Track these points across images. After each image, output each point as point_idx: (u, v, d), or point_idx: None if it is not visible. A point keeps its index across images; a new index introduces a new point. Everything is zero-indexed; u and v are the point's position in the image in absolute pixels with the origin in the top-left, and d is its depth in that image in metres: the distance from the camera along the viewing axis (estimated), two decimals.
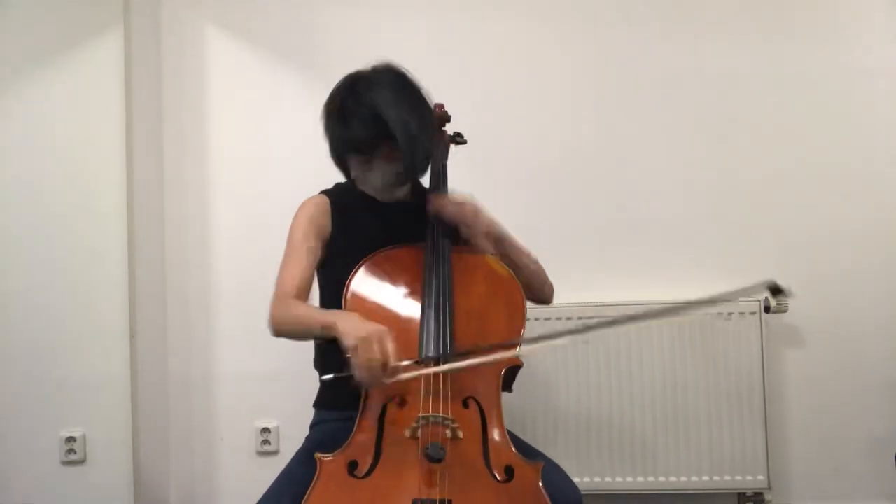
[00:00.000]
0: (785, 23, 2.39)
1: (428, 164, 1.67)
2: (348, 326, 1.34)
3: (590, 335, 1.47)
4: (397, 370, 1.32)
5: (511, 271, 1.60)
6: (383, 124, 1.51)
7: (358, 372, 1.30)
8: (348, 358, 1.32)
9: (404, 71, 1.61)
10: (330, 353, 1.49)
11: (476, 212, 1.59)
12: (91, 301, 2.32)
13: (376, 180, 1.64)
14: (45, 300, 2.30)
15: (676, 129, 2.40)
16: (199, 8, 2.44)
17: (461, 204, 1.60)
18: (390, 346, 1.31)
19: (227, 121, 2.44)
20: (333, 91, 1.62)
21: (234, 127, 2.44)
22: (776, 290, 1.32)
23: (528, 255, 1.69)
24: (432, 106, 1.67)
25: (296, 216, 1.66)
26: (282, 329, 1.53)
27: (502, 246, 1.63)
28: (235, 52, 2.44)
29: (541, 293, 1.72)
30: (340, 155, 1.64)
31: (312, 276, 1.61)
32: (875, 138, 2.37)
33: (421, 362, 1.39)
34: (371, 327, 1.32)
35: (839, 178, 2.37)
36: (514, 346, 1.45)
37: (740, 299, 2.24)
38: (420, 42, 2.41)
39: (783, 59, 2.38)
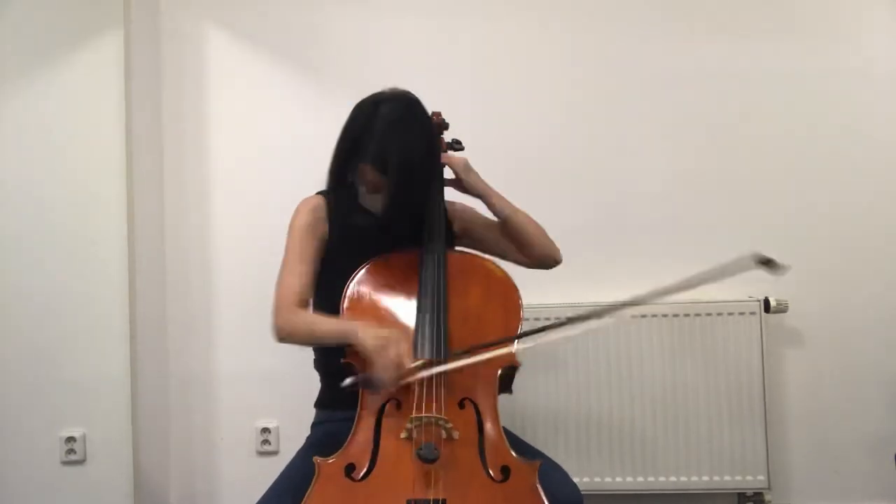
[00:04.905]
0: (785, 22, 2.39)
1: (422, 208, 1.65)
2: (367, 333, 1.40)
3: (581, 326, 1.48)
4: (413, 371, 1.38)
5: (506, 272, 1.61)
6: (388, 164, 1.53)
7: (379, 374, 1.36)
8: (349, 364, 1.42)
9: (419, 108, 1.61)
10: (331, 353, 1.50)
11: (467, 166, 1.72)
12: (91, 301, 2.31)
13: (377, 206, 1.63)
14: (45, 300, 2.29)
15: (675, 129, 2.40)
16: (199, 8, 2.44)
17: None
18: (406, 348, 1.39)
19: (227, 121, 2.44)
20: (351, 116, 1.63)
21: (234, 127, 2.44)
22: (765, 262, 1.33)
23: (525, 214, 1.73)
24: (439, 144, 1.72)
25: (293, 219, 1.65)
26: (289, 338, 1.53)
27: (491, 202, 1.71)
28: (235, 52, 2.44)
29: (549, 249, 1.74)
30: (345, 176, 1.66)
31: (313, 282, 1.61)
32: (875, 138, 2.36)
33: (423, 367, 1.40)
34: (387, 331, 1.40)
35: (839, 177, 2.37)
36: (510, 342, 1.46)
37: (735, 298, 2.26)
38: (418, 43, 2.40)
39: (783, 58, 2.38)
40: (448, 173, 1.74)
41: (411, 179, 1.55)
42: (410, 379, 1.38)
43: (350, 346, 1.44)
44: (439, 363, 1.41)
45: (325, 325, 1.52)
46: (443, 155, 1.71)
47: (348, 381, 1.41)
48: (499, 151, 2.35)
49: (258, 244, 2.34)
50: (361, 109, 1.61)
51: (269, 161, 2.42)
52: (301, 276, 1.58)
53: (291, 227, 1.64)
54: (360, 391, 1.43)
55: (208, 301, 2.42)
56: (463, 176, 1.71)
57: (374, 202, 1.64)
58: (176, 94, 2.43)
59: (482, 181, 1.73)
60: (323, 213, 1.65)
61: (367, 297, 1.54)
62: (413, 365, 1.38)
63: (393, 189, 1.55)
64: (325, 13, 2.43)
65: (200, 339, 2.42)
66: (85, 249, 2.32)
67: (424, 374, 1.39)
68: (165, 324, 2.42)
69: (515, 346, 1.47)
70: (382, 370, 1.36)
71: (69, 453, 2.30)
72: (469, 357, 1.42)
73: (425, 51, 2.38)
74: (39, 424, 2.30)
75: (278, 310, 1.54)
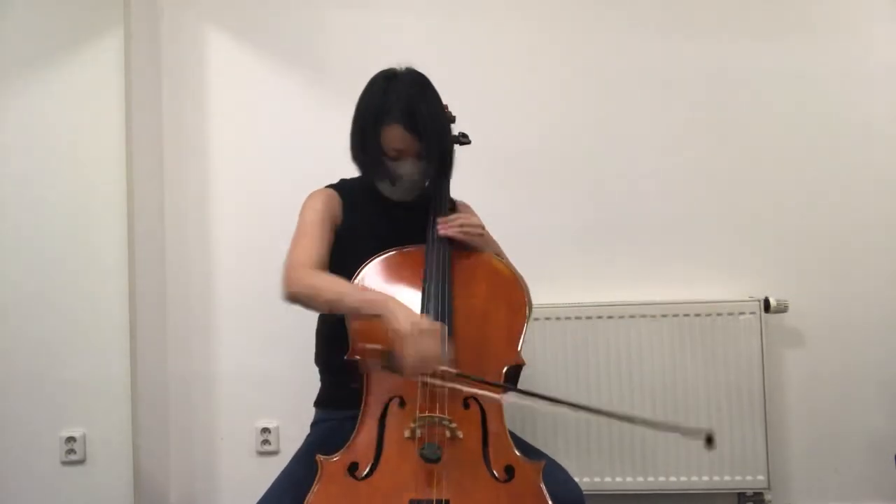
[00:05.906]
0: (786, 22, 2.39)
1: (450, 164, 1.70)
2: (402, 312, 1.33)
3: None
4: (438, 374, 1.33)
5: (512, 269, 1.61)
6: (417, 122, 1.54)
7: (407, 361, 1.30)
8: (353, 361, 1.37)
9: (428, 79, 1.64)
10: (334, 349, 1.49)
11: (482, 234, 1.65)
12: (91, 301, 2.31)
13: (405, 174, 1.61)
14: (45, 300, 2.29)
15: (676, 129, 2.40)
16: (199, 8, 2.44)
17: (466, 227, 1.62)
18: (439, 347, 1.32)
19: (227, 120, 2.44)
20: (366, 89, 1.62)
21: (234, 126, 2.44)
22: (710, 440, 1.22)
23: None
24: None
25: (306, 204, 1.63)
26: (300, 293, 1.45)
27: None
28: (236, 52, 2.44)
29: None
30: (367, 152, 1.61)
31: (328, 254, 1.56)
32: (875, 138, 2.37)
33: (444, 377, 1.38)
34: (428, 321, 1.34)
35: (839, 177, 2.37)
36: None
37: (735, 298, 2.26)
38: (420, 42, 2.41)
39: (784, 57, 2.38)
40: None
41: (441, 129, 1.59)
42: (428, 380, 1.34)
43: (356, 341, 1.42)
44: (452, 378, 1.37)
45: (349, 287, 1.45)
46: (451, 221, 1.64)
47: (369, 346, 1.35)
48: (499, 151, 2.36)
49: (258, 244, 2.35)
50: (375, 83, 1.61)
51: (270, 161, 2.42)
52: (315, 245, 1.54)
53: (305, 208, 1.61)
54: (364, 383, 1.42)
55: (208, 301, 2.42)
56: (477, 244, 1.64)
57: (399, 176, 1.61)
58: (176, 94, 2.43)
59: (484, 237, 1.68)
60: (337, 202, 1.65)
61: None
62: (442, 368, 1.32)
63: (422, 143, 1.56)
64: (325, 13, 2.43)
65: (200, 339, 2.42)
66: (85, 249, 2.32)
67: (438, 382, 1.34)
68: (165, 324, 2.41)
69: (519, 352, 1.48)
70: (410, 357, 1.28)
71: (69, 453, 2.30)
72: (492, 385, 1.39)
73: (425, 51, 2.37)
74: (39, 424, 2.29)
75: (290, 269, 1.48)
